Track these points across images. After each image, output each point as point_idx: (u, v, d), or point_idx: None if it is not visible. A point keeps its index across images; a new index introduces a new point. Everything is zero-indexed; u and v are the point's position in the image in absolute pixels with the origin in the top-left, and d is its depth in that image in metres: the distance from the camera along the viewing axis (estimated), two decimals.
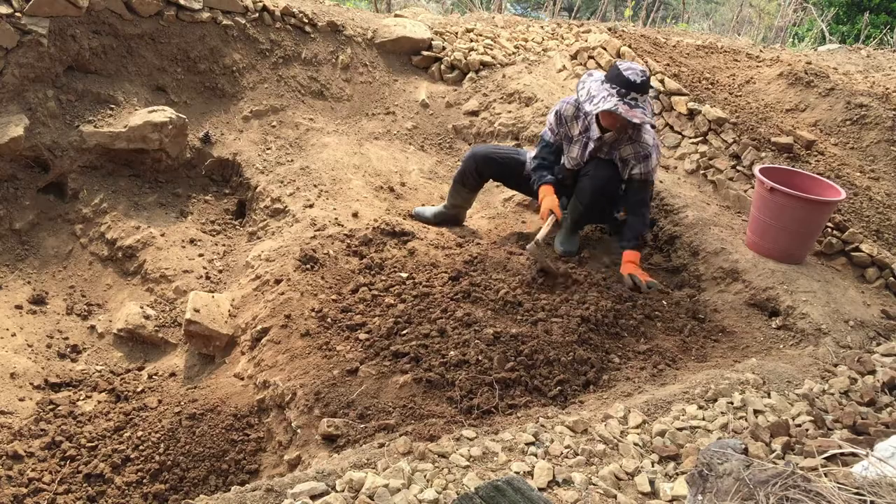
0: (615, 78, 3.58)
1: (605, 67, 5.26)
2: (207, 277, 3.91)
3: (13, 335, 3.53)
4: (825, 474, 1.91)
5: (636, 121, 3.54)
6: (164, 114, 4.27)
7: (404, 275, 3.55)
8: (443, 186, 4.77)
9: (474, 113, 5.24)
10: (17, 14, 4.02)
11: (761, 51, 6.93)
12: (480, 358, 2.94)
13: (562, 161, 4.03)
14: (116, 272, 4.00)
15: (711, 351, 3.43)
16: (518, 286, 3.47)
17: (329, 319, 3.24)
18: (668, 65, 5.15)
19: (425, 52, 5.52)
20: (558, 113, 3.92)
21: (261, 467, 2.87)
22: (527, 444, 2.42)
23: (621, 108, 3.52)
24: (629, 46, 5.22)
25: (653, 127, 3.84)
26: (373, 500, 2.09)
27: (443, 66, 5.49)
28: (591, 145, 3.82)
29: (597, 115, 3.75)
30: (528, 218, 4.51)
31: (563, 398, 2.89)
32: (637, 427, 2.61)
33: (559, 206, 3.84)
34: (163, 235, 4.06)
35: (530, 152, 4.18)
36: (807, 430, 2.67)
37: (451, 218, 4.26)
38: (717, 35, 8.68)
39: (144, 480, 2.82)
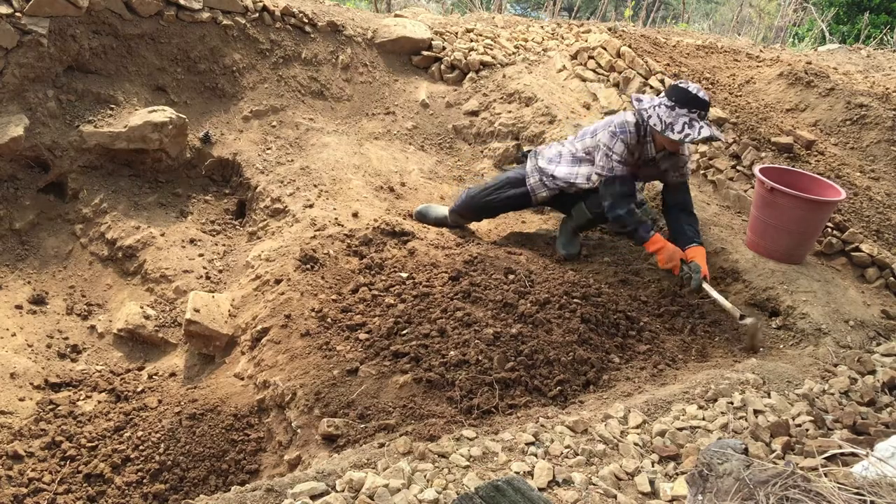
0: (691, 101, 3.49)
1: (604, 67, 5.27)
2: (207, 277, 3.91)
3: (13, 335, 3.53)
4: (825, 474, 1.91)
5: (722, 137, 3.69)
6: (164, 114, 4.27)
7: (404, 275, 3.55)
8: (443, 186, 4.77)
9: (474, 113, 5.24)
10: (17, 14, 4.02)
11: (761, 51, 6.93)
12: (480, 358, 2.94)
13: (581, 176, 3.89)
14: (116, 272, 4.00)
15: (712, 351, 3.43)
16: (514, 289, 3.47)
17: (329, 319, 3.24)
18: (668, 65, 5.14)
19: (425, 52, 5.52)
20: (626, 144, 3.66)
21: (261, 467, 2.87)
22: (527, 444, 2.42)
23: (716, 132, 3.54)
24: (629, 46, 5.22)
25: None
26: (373, 500, 2.09)
27: (443, 66, 5.50)
28: (641, 165, 3.78)
29: (653, 136, 3.67)
30: (528, 218, 4.51)
31: (563, 398, 2.89)
32: (637, 427, 2.61)
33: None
34: (163, 235, 4.06)
35: (529, 161, 4.06)
36: (807, 430, 2.67)
37: (452, 227, 4.23)
38: (717, 35, 8.68)
39: (144, 480, 2.82)
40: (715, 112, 4.55)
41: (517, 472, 2.26)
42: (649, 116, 3.56)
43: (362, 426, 2.66)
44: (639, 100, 3.69)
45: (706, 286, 3.57)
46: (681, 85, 3.56)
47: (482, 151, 5.09)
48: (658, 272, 4.01)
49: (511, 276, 3.55)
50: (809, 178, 3.97)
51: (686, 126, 3.50)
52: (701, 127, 3.48)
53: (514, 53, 5.69)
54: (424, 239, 3.97)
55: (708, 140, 3.59)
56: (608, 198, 3.73)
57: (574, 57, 5.57)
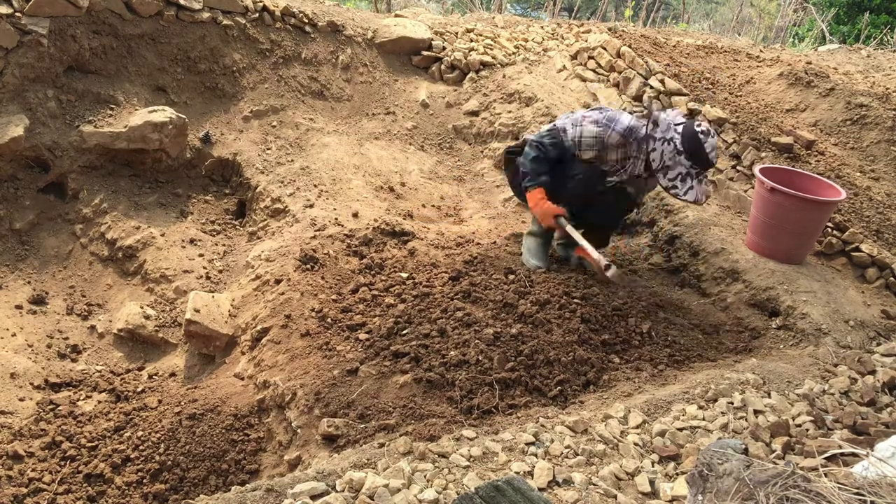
0: (696, 157, 3.30)
1: (605, 67, 5.26)
2: (207, 277, 3.91)
3: (13, 335, 3.53)
4: (825, 474, 1.91)
5: (704, 201, 3.48)
6: (164, 114, 4.27)
7: (404, 275, 3.55)
8: (443, 186, 4.77)
9: (474, 113, 5.24)
10: (18, 14, 4.02)
11: (761, 51, 6.93)
12: (480, 358, 2.94)
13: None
14: (116, 272, 4.00)
15: (711, 351, 3.43)
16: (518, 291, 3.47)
17: (329, 319, 3.24)
18: (668, 65, 5.15)
19: (425, 52, 5.52)
20: (601, 139, 3.47)
21: (261, 467, 2.87)
22: (527, 444, 2.42)
23: (702, 195, 3.39)
24: (629, 46, 5.22)
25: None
26: (373, 500, 2.09)
27: (443, 66, 5.50)
28: (627, 178, 3.60)
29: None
30: (529, 218, 4.51)
31: (563, 398, 2.89)
32: (637, 427, 2.61)
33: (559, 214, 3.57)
34: (163, 235, 4.06)
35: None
36: (807, 430, 2.67)
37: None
38: (717, 35, 8.68)
39: (144, 480, 2.82)
40: (715, 112, 4.55)
41: (517, 472, 2.26)
42: (653, 150, 3.38)
43: (362, 426, 2.66)
44: (655, 124, 3.41)
45: (569, 229, 3.51)
46: (699, 136, 3.30)
47: (482, 151, 5.09)
48: (657, 272, 4.01)
49: (511, 276, 3.54)
50: (809, 178, 3.97)
51: (679, 178, 3.34)
52: (690, 187, 3.33)
53: (514, 53, 5.69)
54: (424, 239, 3.97)
55: (693, 203, 3.47)
56: (537, 142, 3.57)
57: (574, 57, 5.57)
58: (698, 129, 3.31)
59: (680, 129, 3.34)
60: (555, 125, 3.64)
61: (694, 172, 3.34)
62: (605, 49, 5.30)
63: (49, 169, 4.14)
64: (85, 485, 2.82)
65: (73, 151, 4.16)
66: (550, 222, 3.58)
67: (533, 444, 2.42)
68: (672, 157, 3.34)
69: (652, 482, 2.31)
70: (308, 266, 3.62)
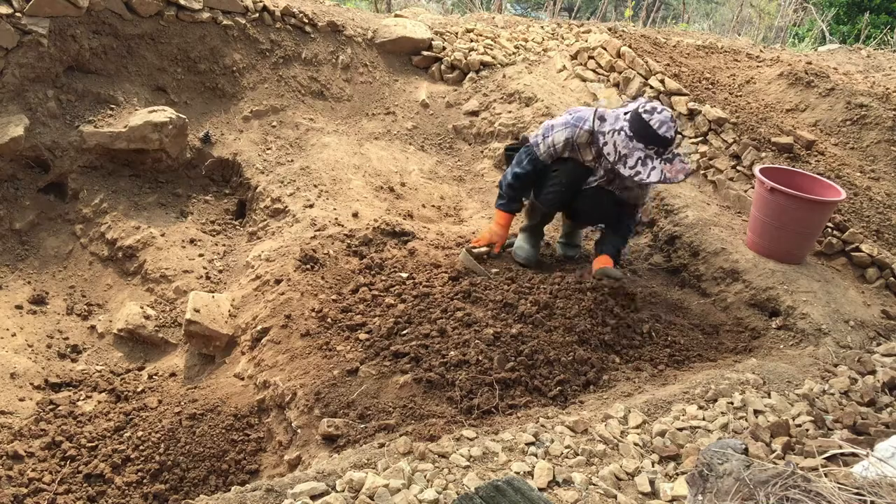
0: (649, 137, 3.20)
1: (605, 67, 5.26)
2: (207, 277, 3.91)
3: (13, 335, 3.53)
4: (825, 474, 1.90)
5: (681, 178, 3.27)
6: (164, 114, 4.27)
7: (404, 275, 3.55)
8: (443, 186, 4.77)
9: (474, 113, 5.24)
10: (18, 14, 4.02)
11: (761, 51, 6.93)
12: (480, 358, 2.94)
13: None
14: (116, 272, 4.00)
15: (711, 351, 3.43)
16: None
17: (329, 319, 3.24)
18: (668, 65, 5.15)
19: (425, 52, 5.52)
20: (570, 141, 3.48)
21: (261, 467, 2.87)
22: (527, 444, 2.42)
23: (668, 173, 3.24)
24: (629, 46, 5.22)
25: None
26: (373, 500, 2.09)
27: (443, 66, 5.50)
28: (603, 173, 3.56)
29: None
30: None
31: (564, 398, 2.89)
32: (637, 427, 2.61)
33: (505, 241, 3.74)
34: (163, 235, 4.06)
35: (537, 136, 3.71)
36: (807, 430, 2.67)
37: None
38: (717, 35, 8.68)
39: (144, 480, 2.82)
40: (715, 112, 4.55)
41: (517, 473, 2.26)
42: (604, 144, 3.31)
43: (362, 426, 2.66)
44: (602, 119, 3.38)
45: (468, 256, 3.57)
46: (643, 116, 3.22)
47: (482, 151, 5.09)
48: (657, 272, 4.01)
49: (511, 276, 3.54)
50: (809, 178, 3.97)
51: (640, 163, 3.23)
52: (653, 168, 3.22)
53: (514, 53, 5.69)
54: (424, 239, 3.97)
55: (660, 182, 3.31)
56: (515, 161, 3.67)
57: (574, 57, 5.57)
58: (643, 110, 3.25)
59: (627, 116, 3.29)
60: (528, 142, 3.67)
61: (653, 153, 3.22)
62: (605, 49, 5.30)
63: (49, 169, 4.14)
64: (85, 485, 2.82)
65: (73, 151, 4.16)
66: (491, 240, 3.71)
67: (533, 444, 2.42)
68: (626, 145, 3.25)
69: (652, 482, 2.31)
70: (308, 266, 3.62)
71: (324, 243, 3.79)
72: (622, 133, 3.26)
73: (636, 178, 3.25)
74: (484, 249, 3.70)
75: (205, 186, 4.53)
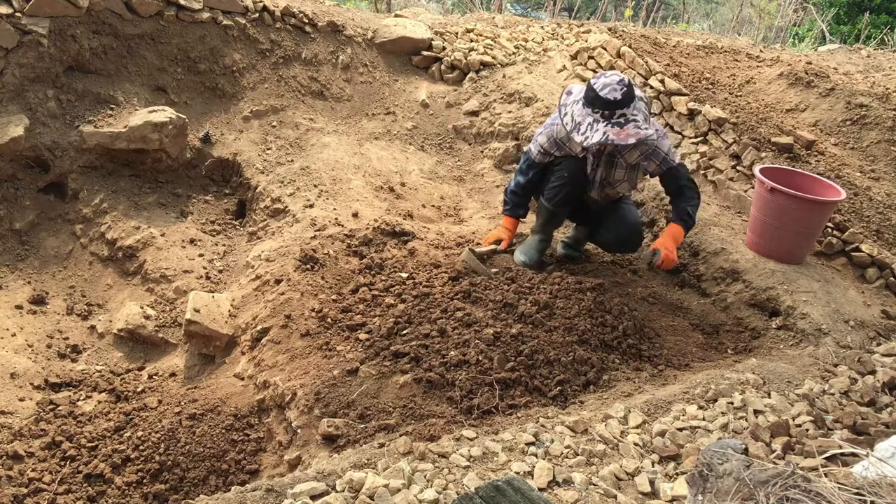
0: (594, 101, 3.24)
1: (604, 67, 5.26)
2: (207, 277, 3.91)
3: (13, 335, 3.53)
4: (825, 474, 1.90)
5: (631, 141, 3.22)
6: (164, 114, 4.27)
7: (404, 275, 3.55)
8: (443, 186, 4.77)
9: (474, 113, 5.24)
10: (18, 14, 4.02)
11: (761, 51, 6.93)
12: (480, 358, 2.94)
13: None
14: (116, 272, 4.00)
15: (711, 351, 3.43)
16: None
17: (329, 319, 3.24)
18: (668, 65, 5.15)
19: (425, 52, 5.52)
20: (552, 138, 3.53)
21: (261, 467, 2.87)
22: (527, 444, 2.42)
23: (611, 134, 3.20)
24: (629, 46, 5.22)
25: (647, 119, 3.38)
26: (373, 500, 2.09)
27: (443, 66, 5.50)
28: (593, 159, 3.55)
29: None
30: (529, 218, 4.51)
31: (564, 398, 2.89)
32: (637, 427, 2.61)
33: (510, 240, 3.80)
34: (163, 235, 4.06)
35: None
36: (807, 430, 2.67)
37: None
38: (717, 35, 8.68)
39: (144, 480, 2.82)
40: (715, 112, 4.55)
41: (517, 472, 2.26)
42: (565, 115, 3.38)
43: (362, 426, 2.66)
44: (568, 92, 3.45)
45: (470, 254, 3.62)
46: (591, 82, 3.27)
47: (482, 151, 5.09)
48: (657, 272, 4.00)
49: (511, 276, 3.54)
50: (809, 178, 3.97)
51: (589, 128, 3.25)
52: (596, 131, 3.22)
53: (514, 53, 5.69)
54: (424, 239, 3.97)
55: (599, 145, 3.29)
56: (517, 169, 3.79)
57: (574, 57, 5.57)
58: (593, 78, 3.32)
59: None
60: (524, 151, 3.77)
61: (599, 116, 3.24)
62: (605, 49, 5.30)
63: (49, 169, 4.14)
64: (85, 485, 2.82)
65: (73, 151, 4.16)
66: (498, 237, 3.79)
67: (533, 444, 2.42)
68: (580, 112, 3.31)
69: (652, 482, 2.31)
70: (308, 266, 3.62)
71: (324, 243, 3.79)
72: (579, 103, 3.33)
73: (584, 143, 3.28)
74: (490, 248, 3.74)
75: (205, 186, 4.53)
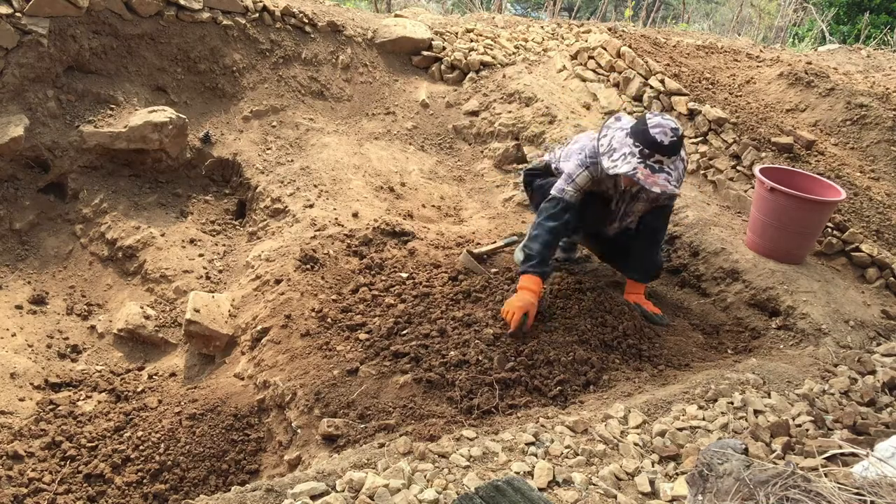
0: (640, 135, 3.08)
1: (604, 67, 5.27)
2: (207, 277, 3.91)
3: (13, 335, 3.53)
4: (825, 474, 1.90)
5: (656, 190, 3.05)
6: (164, 114, 4.27)
7: (404, 275, 3.55)
8: (443, 186, 4.77)
9: (474, 113, 5.24)
10: (17, 14, 4.02)
11: (761, 51, 6.93)
12: (480, 358, 2.94)
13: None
14: (116, 272, 4.00)
15: (711, 351, 3.43)
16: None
17: (329, 319, 3.24)
18: (668, 65, 5.15)
19: (425, 53, 5.52)
20: (592, 175, 3.30)
21: (261, 467, 2.87)
22: (527, 444, 2.42)
23: (640, 173, 3.04)
24: (629, 46, 5.22)
25: (680, 180, 3.21)
26: (373, 500, 2.09)
27: (443, 67, 5.50)
28: (617, 197, 3.40)
29: None
30: (529, 218, 4.51)
31: (564, 398, 2.89)
32: (637, 427, 2.61)
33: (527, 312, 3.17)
34: (163, 235, 4.06)
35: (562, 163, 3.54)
36: (807, 430, 2.67)
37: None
38: (717, 35, 8.68)
39: (144, 480, 2.82)
40: (715, 112, 4.55)
41: (517, 473, 2.26)
42: (604, 136, 3.24)
43: (362, 426, 2.66)
44: (618, 118, 3.30)
45: (468, 256, 3.62)
46: (647, 117, 3.13)
47: (482, 151, 5.09)
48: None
49: (511, 276, 3.54)
50: (809, 178, 3.97)
51: (622, 158, 3.10)
52: (628, 163, 3.07)
53: (514, 53, 5.69)
54: (424, 239, 3.97)
55: (629, 175, 3.09)
56: (542, 210, 3.37)
57: (574, 57, 5.57)
58: (649, 113, 3.17)
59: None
60: (553, 194, 3.37)
61: (638, 152, 3.07)
62: (605, 49, 5.30)
63: (49, 169, 4.14)
64: (85, 485, 2.82)
65: (73, 151, 4.16)
66: (525, 311, 3.12)
67: (533, 444, 2.42)
68: (620, 140, 3.15)
69: (652, 482, 2.31)
70: (308, 266, 3.62)
71: (324, 243, 3.79)
72: (623, 130, 3.20)
73: (610, 170, 3.12)
74: (489, 248, 3.72)
75: (205, 186, 4.53)
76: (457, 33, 5.82)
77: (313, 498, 2.09)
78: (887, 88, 5.31)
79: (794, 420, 2.72)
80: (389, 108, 5.23)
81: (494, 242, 3.87)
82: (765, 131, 4.55)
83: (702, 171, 4.55)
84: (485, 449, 2.37)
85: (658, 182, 3.05)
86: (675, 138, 3.06)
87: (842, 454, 2.42)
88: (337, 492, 2.12)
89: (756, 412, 2.75)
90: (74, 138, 4.16)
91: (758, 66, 5.68)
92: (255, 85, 4.89)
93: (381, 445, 2.39)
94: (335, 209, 4.19)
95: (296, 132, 4.80)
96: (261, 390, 3.06)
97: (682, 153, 3.21)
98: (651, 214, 3.48)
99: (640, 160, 3.06)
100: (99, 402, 3.25)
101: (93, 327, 3.73)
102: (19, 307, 3.70)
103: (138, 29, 4.48)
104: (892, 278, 3.91)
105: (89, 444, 2.98)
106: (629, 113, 4.85)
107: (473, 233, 4.19)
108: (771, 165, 4.09)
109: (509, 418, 2.69)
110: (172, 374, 3.45)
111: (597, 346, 3.17)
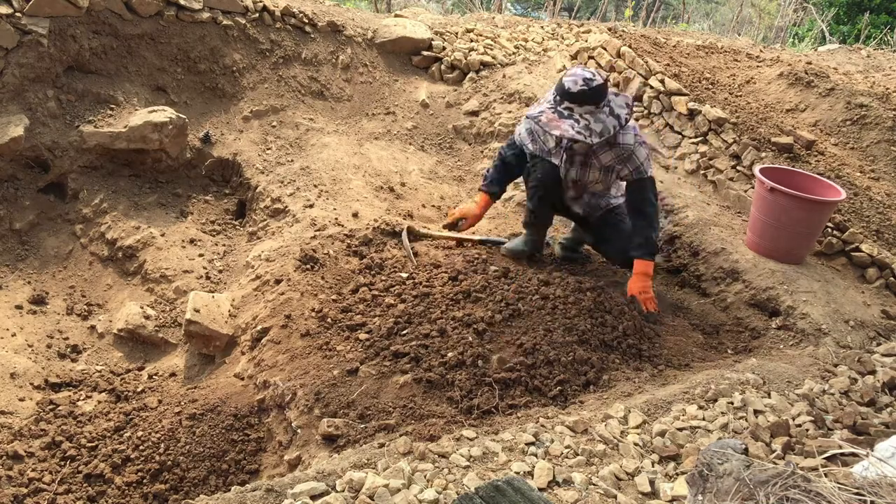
0: (557, 84, 3.30)
1: (604, 67, 5.27)
2: (207, 277, 3.91)
3: (13, 335, 3.53)
4: (825, 474, 1.91)
5: (556, 133, 3.20)
6: (164, 114, 4.27)
7: (404, 275, 3.55)
8: (443, 186, 4.77)
9: (474, 113, 5.24)
10: (17, 14, 4.02)
11: (761, 51, 6.93)
12: (479, 362, 2.94)
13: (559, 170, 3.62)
14: (116, 272, 4.00)
15: (711, 351, 3.43)
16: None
17: (329, 319, 3.24)
18: (668, 65, 5.15)
19: (425, 53, 5.52)
20: (531, 131, 3.61)
21: (261, 467, 2.87)
22: (527, 444, 2.42)
23: (544, 116, 3.22)
24: (629, 46, 5.22)
25: (622, 125, 3.31)
26: (373, 500, 2.09)
27: (443, 66, 5.50)
28: (564, 156, 3.50)
29: None
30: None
31: (564, 398, 2.89)
32: (637, 427, 2.61)
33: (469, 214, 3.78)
34: (163, 235, 4.06)
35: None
36: (807, 430, 2.67)
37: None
38: (717, 35, 8.68)
39: (144, 480, 2.82)
40: (715, 112, 4.55)
41: (517, 472, 2.26)
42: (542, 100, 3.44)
43: (362, 426, 2.66)
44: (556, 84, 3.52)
45: (406, 233, 3.83)
46: (567, 70, 3.34)
47: (482, 151, 5.09)
48: (657, 272, 4.00)
49: (511, 276, 3.54)
50: (809, 178, 3.97)
51: (537, 105, 3.32)
52: (539, 108, 3.30)
53: (514, 53, 5.69)
54: (425, 239, 3.96)
55: (532, 119, 3.32)
56: (499, 151, 3.81)
57: (574, 57, 5.57)
58: (570, 68, 3.42)
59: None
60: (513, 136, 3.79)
61: (551, 98, 3.30)
62: (605, 49, 5.30)
63: (49, 169, 4.14)
64: (85, 485, 2.82)
65: (73, 151, 4.16)
66: (463, 214, 3.78)
67: (533, 444, 2.42)
68: (545, 97, 3.37)
69: (652, 482, 2.31)
70: (308, 266, 3.62)
71: (324, 243, 3.79)
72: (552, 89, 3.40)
73: (527, 114, 3.36)
74: (434, 232, 3.90)
75: (205, 186, 4.53)
76: (457, 33, 5.82)
77: (313, 498, 2.09)
78: (887, 88, 5.31)
79: (794, 420, 2.72)
80: (389, 108, 5.23)
81: (475, 234, 4.00)
82: (765, 131, 4.55)
83: (702, 171, 4.55)
84: (485, 449, 2.37)
85: (561, 126, 3.20)
86: (584, 87, 3.20)
87: (842, 454, 2.42)
88: (337, 492, 2.12)
89: (756, 412, 2.75)
90: (74, 138, 4.16)
91: (758, 66, 5.68)
92: (255, 85, 4.89)
93: (381, 445, 2.39)
94: (335, 209, 4.19)
95: (296, 132, 4.80)
96: (261, 390, 3.06)
97: (611, 107, 3.29)
98: (629, 193, 3.56)
99: (549, 106, 3.26)
100: (99, 402, 3.25)
101: (93, 327, 3.73)
102: (19, 307, 3.70)
103: (138, 29, 4.48)
104: (892, 278, 3.92)
105: (89, 444, 2.98)
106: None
107: (473, 232, 4.19)
108: (771, 165, 4.09)
109: (509, 418, 2.69)
110: (172, 374, 3.45)
111: (597, 346, 3.17)
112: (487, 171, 3.82)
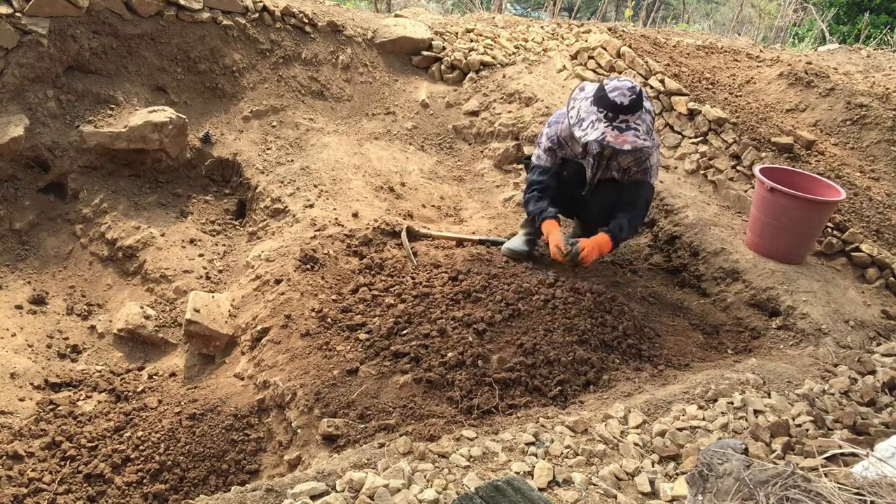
0: (601, 101, 3.29)
1: (604, 67, 5.27)
2: (207, 277, 3.91)
3: (13, 335, 3.52)
4: (825, 474, 1.91)
5: (627, 147, 3.26)
6: (164, 114, 4.27)
7: (410, 280, 3.55)
8: (443, 186, 4.77)
9: (474, 113, 5.24)
10: (17, 14, 4.02)
11: (761, 51, 6.93)
12: (479, 363, 2.94)
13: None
14: (116, 272, 4.00)
15: (711, 351, 3.43)
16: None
17: (329, 319, 3.24)
18: (668, 65, 5.14)
19: (425, 52, 5.52)
20: (556, 137, 3.61)
21: (261, 467, 2.87)
22: (527, 444, 2.42)
23: (609, 136, 3.24)
24: (629, 46, 5.22)
25: (654, 117, 3.45)
26: (373, 500, 2.09)
27: (443, 66, 5.50)
28: (593, 161, 3.57)
29: None
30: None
31: (563, 398, 2.89)
32: (637, 427, 2.61)
33: (563, 240, 3.58)
34: (163, 235, 4.06)
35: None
36: (807, 430, 2.67)
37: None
38: (717, 35, 8.68)
39: (144, 480, 2.82)
40: (715, 112, 4.55)
41: (517, 472, 2.26)
42: (573, 108, 3.43)
43: (362, 426, 2.66)
44: (581, 88, 3.51)
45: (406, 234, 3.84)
46: (604, 82, 3.34)
47: (482, 151, 5.09)
48: (657, 272, 4.00)
49: (511, 276, 3.54)
50: (809, 178, 3.97)
51: (590, 125, 3.29)
52: (595, 129, 3.28)
53: (514, 53, 5.69)
54: (424, 239, 3.96)
55: (595, 142, 3.32)
56: (527, 180, 3.77)
57: (574, 57, 5.57)
58: (606, 79, 3.38)
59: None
60: (533, 163, 3.77)
61: (603, 116, 3.28)
62: (605, 49, 5.30)
63: (49, 169, 4.14)
64: (85, 485, 2.82)
65: (73, 151, 4.16)
66: (556, 243, 3.55)
67: (533, 444, 2.42)
68: (586, 109, 3.35)
69: (652, 482, 2.31)
70: (308, 266, 3.62)
71: (324, 243, 3.79)
72: (588, 100, 3.37)
73: (582, 139, 3.33)
74: (435, 233, 3.92)
75: (205, 186, 4.53)
76: (457, 33, 5.82)
77: (313, 498, 2.09)
78: (887, 88, 5.31)
79: (794, 420, 2.72)
80: (389, 108, 5.23)
81: (474, 234, 4.00)
82: (765, 131, 4.55)
83: (702, 171, 4.55)
84: (485, 449, 2.37)
85: (627, 140, 3.26)
86: (633, 96, 3.27)
87: (842, 454, 2.42)
88: (337, 492, 2.12)
89: (756, 412, 2.75)
90: (74, 138, 4.16)
91: (758, 66, 5.68)
92: (255, 85, 4.89)
93: (381, 445, 2.39)
94: (335, 209, 4.19)
95: (296, 132, 4.80)
96: (261, 390, 3.06)
97: (647, 104, 3.39)
98: (627, 189, 3.60)
99: (606, 124, 3.27)
100: (99, 402, 3.25)
101: (93, 327, 3.73)
102: (19, 307, 3.70)
103: (138, 29, 4.48)
104: (892, 278, 3.92)
105: (89, 444, 2.98)
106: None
107: (473, 232, 4.19)
108: (771, 165, 4.09)
109: (509, 418, 2.69)
110: (172, 374, 3.45)
111: (597, 346, 3.17)
112: (532, 204, 3.68)
